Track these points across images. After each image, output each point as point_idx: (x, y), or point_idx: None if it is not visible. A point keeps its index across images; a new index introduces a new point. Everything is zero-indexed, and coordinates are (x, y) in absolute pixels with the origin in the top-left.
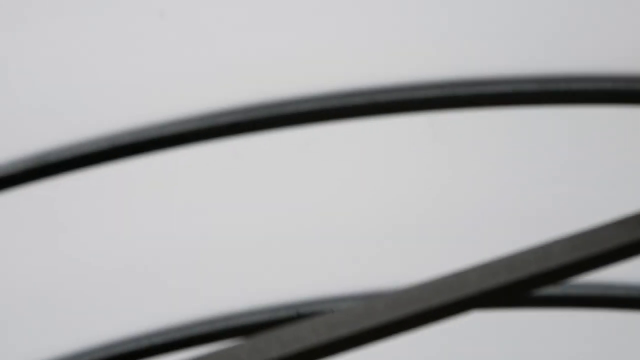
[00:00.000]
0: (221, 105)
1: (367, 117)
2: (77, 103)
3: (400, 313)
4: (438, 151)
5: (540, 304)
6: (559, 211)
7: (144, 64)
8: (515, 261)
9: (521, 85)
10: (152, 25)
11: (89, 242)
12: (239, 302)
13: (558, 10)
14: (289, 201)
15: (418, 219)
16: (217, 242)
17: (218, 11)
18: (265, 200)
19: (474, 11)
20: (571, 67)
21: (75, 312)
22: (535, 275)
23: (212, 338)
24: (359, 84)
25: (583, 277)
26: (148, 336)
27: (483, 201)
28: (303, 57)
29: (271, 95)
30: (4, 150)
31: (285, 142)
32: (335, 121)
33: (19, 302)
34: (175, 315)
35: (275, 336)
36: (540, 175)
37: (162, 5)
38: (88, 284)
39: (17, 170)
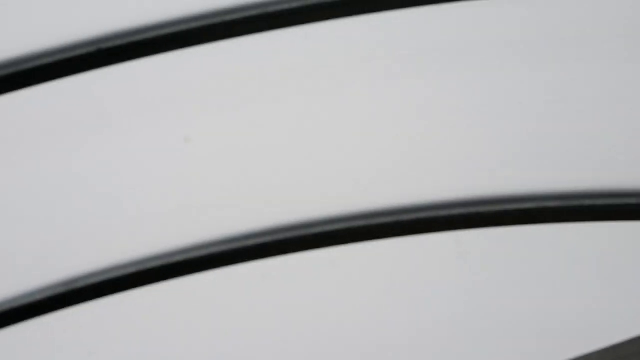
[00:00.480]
0: (248, 228)
1: (393, 236)
2: (105, 229)
3: None
4: (464, 268)
5: None
6: (585, 325)
7: (169, 189)
8: None
9: (545, 202)
10: (178, 151)
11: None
12: None
13: (581, 130)
14: (316, 320)
15: (446, 336)
16: None
17: (243, 136)
18: (292, 319)
19: (497, 132)
20: (594, 184)
21: None
22: None
23: None
24: (385, 204)
25: None
26: None
27: (510, 317)
28: (328, 179)
29: (297, 217)
30: (34, 278)
31: (311, 263)
32: (361, 241)
33: None
34: None
35: None
36: (566, 290)
37: (187, 131)
38: None
39: (46, 297)
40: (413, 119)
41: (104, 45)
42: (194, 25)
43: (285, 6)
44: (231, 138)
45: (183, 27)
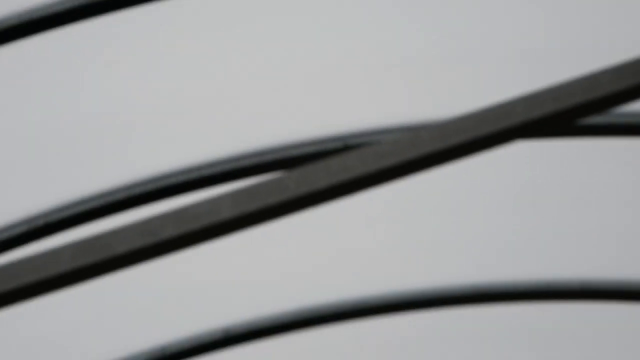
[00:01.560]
0: None
1: None
2: None
3: (447, 143)
4: None
5: (584, 133)
6: (604, 44)
7: None
8: (562, 91)
9: None
10: None
11: (124, 81)
12: (288, 135)
13: None
14: (336, 34)
15: (465, 49)
16: (267, 76)
17: None
18: (309, 33)
19: None
20: None
21: (134, 144)
22: (581, 104)
23: (262, 169)
24: None
25: (628, 106)
26: (199, 168)
27: (529, 34)
28: None
29: None
30: None
31: None
32: None
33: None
34: (225, 148)
35: (323, 166)
36: (584, 6)
37: None
38: (140, 119)
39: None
40: None
41: None
42: None
43: None
44: None
45: None
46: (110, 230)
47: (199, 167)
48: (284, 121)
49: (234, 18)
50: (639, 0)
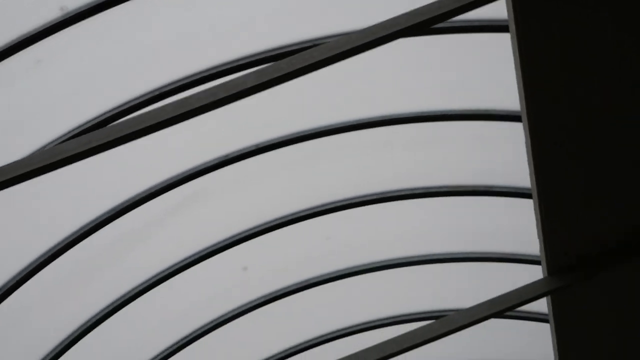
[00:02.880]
0: None
1: None
2: None
3: (365, 40)
4: None
5: (434, 33)
6: None
7: None
8: (424, 10)
9: None
10: None
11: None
12: (280, 40)
13: None
14: None
15: None
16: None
17: None
18: None
19: None
20: None
21: None
22: (434, 16)
23: (268, 60)
24: None
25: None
26: (236, 60)
27: None
28: None
29: None
30: None
31: None
32: None
33: None
34: (248, 50)
35: (300, 56)
36: None
37: None
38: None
39: None
40: None
41: None
42: None
43: None
44: None
45: None
46: (191, 95)
47: (237, 60)
48: (278, 32)
49: None
50: None
